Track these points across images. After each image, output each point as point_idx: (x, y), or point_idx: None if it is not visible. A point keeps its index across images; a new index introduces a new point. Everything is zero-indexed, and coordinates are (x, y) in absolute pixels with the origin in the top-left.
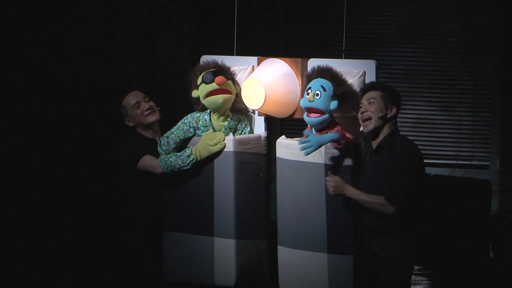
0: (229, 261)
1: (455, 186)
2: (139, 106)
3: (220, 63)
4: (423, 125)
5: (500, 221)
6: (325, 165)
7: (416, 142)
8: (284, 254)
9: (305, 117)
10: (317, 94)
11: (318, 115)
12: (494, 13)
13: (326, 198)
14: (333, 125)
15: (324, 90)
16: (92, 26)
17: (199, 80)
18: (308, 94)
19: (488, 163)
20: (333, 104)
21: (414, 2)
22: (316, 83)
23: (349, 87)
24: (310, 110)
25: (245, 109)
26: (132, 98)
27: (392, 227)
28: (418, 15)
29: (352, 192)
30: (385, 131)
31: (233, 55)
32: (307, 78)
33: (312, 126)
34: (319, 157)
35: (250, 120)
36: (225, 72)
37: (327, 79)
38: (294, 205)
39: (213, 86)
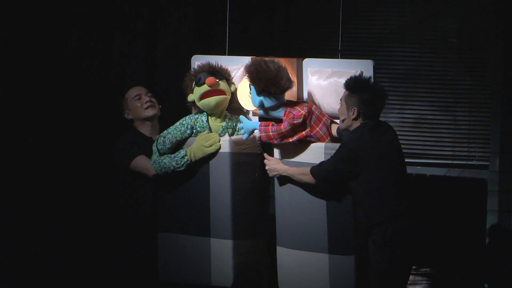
0: (226, 261)
1: (454, 186)
2: (140, 98)
3: (214, 64)
4: (422, 125)
5: (500, 221)
6: None
7: (415, 142)
8: (284, 255)
9: None
10: (250, 93)
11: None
12: (493, 13)
13: (327, 198)
14: (285, 114)
15: (250, 88)
16: (92, 26)
17: (194, 83)
18: None
19: (488, 163)
20: (264, 100)
21: (414, 2)
22: None
23: (266, 81)
24: None
25: (241, 109)
26: (134, 90)
27: (367, 223)
28: (417, 15)
29: (285, 169)
30: (353, 127)
31: (226, 54)
32: None
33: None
34: (319, 157)
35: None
36: (217, 73)
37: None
38: (294, 205)
39: (205, 87)
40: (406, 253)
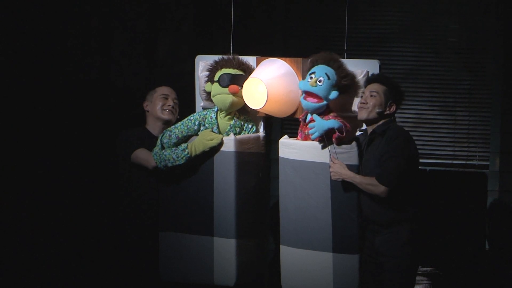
0: (229, 261)
1: (454, 186)
2: (166, 98)
3: (244, 64)
4: (422, 125)
5: (500, 221)
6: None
7: (416, 142)
8: (287, 253)
9: (302, 99)
10: (320, 81)
11: (316, 100)
12: (494, 13)
13: (331, 197)
14: (328, 112)
15: (328, 78)
16: (92, 26)
17: (217, 76)
18: (311, 78)
19: (488, 163)
20: (333, 94)
21: (414, 2)
22: (321, 69)
23: (353, 81)
24: (309, 94)
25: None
26: (165, 90)
27: (391, 220)
28: (418, 15)
29: (349, 175)
30: (379, 121)
31: (230, 54)
32: (312, 61)
33: (307, 110)
34: (324, 156)
35: (257, 123)
36: (242, 78)
37: (333, 68)
38: (298, 204)
39: (226, 91)
40: (423, 251)
